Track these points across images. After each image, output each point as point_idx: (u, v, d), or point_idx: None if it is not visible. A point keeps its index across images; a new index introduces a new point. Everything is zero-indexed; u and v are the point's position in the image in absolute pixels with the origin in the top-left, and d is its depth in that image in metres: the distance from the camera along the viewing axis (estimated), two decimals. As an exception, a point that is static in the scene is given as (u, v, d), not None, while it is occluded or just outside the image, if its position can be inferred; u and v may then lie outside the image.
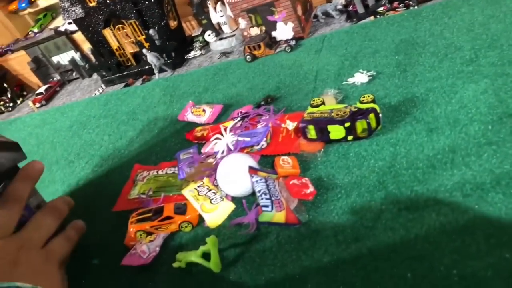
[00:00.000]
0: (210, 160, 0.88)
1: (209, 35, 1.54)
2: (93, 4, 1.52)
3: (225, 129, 0.92)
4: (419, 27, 1.03)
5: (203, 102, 1.16)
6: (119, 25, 1.55)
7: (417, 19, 1.07)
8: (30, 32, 2.33)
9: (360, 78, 0.94)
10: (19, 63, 2.15)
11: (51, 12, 2.35)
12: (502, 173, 0.59)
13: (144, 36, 1.54)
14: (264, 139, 0.85)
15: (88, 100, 1.62)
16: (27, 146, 1.42)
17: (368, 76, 0.93)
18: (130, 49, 1.64)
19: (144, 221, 0.78)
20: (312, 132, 0.79)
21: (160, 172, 0.94)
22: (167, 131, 1.12)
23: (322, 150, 0.79)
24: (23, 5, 2.26)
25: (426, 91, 0.81)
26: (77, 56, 1.92)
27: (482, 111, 0.71)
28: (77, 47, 1.99)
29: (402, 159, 0.69)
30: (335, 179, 0.72)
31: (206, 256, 0.67)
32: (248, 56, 1.27)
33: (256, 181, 0.73)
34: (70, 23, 1.96)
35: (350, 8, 1.30)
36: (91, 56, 1.75)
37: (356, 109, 0.77)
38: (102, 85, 1.73)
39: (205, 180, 0.82)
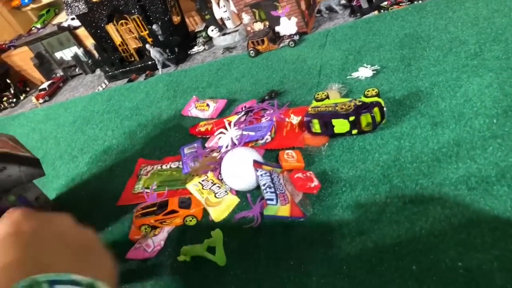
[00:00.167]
0: (215, 154, 0.88)
1: (212, 31, 1.54)
2: (96, -1, 1.52)
3: (229, 124, 0.92)
4: (424, 21, 1.03)
5: (207, 97, 1.16)
6: (122, 21, 1.55)
7: (422, 14, 1.06)
8: (33, 28, 2.33)
9: (364, 72, 0.94)
10: (22, 59, 2.15)
11: (54, 8, 2.35)
12: (507, 166, 0.59)
13: (147, 32, 1.53)
14: (269, 133, 0.85)
15: (91, 95, 1.63)
16: (30, 141, 1.43)
17: (373, 70, 0.93)
18: (133, 44, 1.64)
19: (149, 215, 0.78)
20: (316, 126, 0.79)
21: (164, 167, 0.94)
22: (171, 126, 1.12)
23: (327, 144, 0.79)
24: (26, 1, 2.26)
25: (431, 85, 0.81)
26: (80, 51, 1.92)
27: (487, 104, 0.71)
28: (80, 43, 1.99)
29: (406, 153, 0.69)
30: (340, 172, 0.72)
31: (211, 249, 0.68)
32: (251, 51, 1.27)
33: (261, 175, 0.73)
34: (73, 19, 1.96)
35: (354, 3, 1.30)
36: (94, 52, 1.74)
37: (360, 103, 0.77)
38: (105, 81, 1.73)
39: (210, 174, 0.82)
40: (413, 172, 0.65)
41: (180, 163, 0.92)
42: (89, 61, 1.83)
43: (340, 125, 0.76)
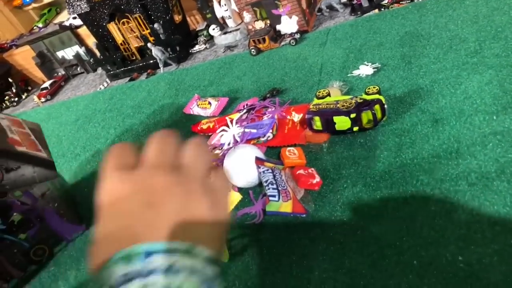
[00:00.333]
0: (217, 151, 0.88)
1: (213, 29, 1.54)
2: (98, -2, 1.53)
3: (231, 121, 0.93)
4: (424, 20, 1.03)
5: (209, 96, 1.17)
6: (124, 20, 1.56)
7: (422, 12, 1.07)
8: (34, 27, 2.34)
9: (365, 70, 0.94)
10: (24, 58, 2.16)
11: (55, 7, 2.36)
12: (507, 162, 0.60)
13: (149, 30, 1.54)
14: (270, 130, 0.86)
15: (93, 94, 1.63)
16: (33, 140, 1.43)
17: (373, 68, 0.94)
18: (134, 43, 1.64)
19: None
20: (318, 123, 0.80)
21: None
22: (173, 124, 1.13)
23: (328, 141, 0.80)
24: (28, 0, 2.27)
25: (431, 83, 0.82)
26: (81, 50, 1.93)
27: (486, 101, 0.71)
28: (81, 42, 2.00)
29: (407, 149, 0.70)
30: (341, 169, 0.73)
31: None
32: (253, 50, 1.27)
33: (263, 172, 0.74)
34: (75, 18, 1.97)
35: (355, 1, 1.30)
36: (96, 51, 1.75)
37: (361, 100, 0.77)
38: (107, 80, 1.73)
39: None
40: (413, 168, 0.66)
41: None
42: (91, 60, 1.84)
43: (342, 122, 0.77)
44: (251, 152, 0.77)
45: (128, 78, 1.64)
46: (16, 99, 2.09)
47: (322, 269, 0.58)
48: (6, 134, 0.79)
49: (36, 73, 2.17)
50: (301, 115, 0.88)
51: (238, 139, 0.88)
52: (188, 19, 1.75)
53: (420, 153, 0.68)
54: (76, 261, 0.83)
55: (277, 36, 1.30)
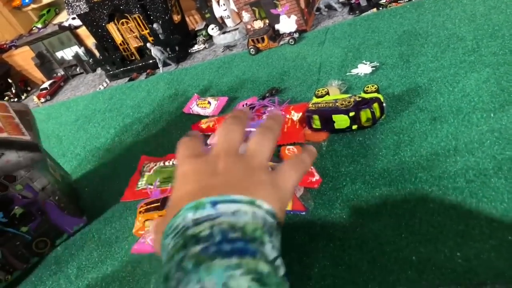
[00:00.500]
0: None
1: (212, 29, 1.55)
2: (97, -1, 1.53)
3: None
4: (422, 18, 1.04)
5: (208, 95, 1.17)
6: (123, 20, 1.56)
7: (420, 11, 1.08)
8: (34, 28, 2.34)
9: (364, 69, 0.95)
10: (23, 59, 2.17)
11: (54, 7, 2.36)
12: (504, 159, 0.60)
13: (148, 31, 1.55)
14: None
15: (93, 94, 1.64)
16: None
17: (372, 67, 0.94)
18: (134, 43, 1.65)
19: (153, 210, 0.79)
20: (317, 122, 0.80)
21: (166, 163, 0.95)
22: (173, 123, 1.13)
23: (327, 139, 0.80)
24: (27, 1, 2.28)
25: (429, 81, 0.83)
26: (81, 51, 1.93)
27: (484, 99, 0.72)
28: (81, 42, 2.00)
29: (406, 147, 0.70)
30: (340, 167, 0.73)
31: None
32: (252, 49, 1.28)
33: (263, 170, 0.74)
34: (74, 18, 1.98)
35: (353, 1, 1.31)
36: (95, 51, 1.76)
37: (360, 99, 0.78)
38: (106, 80, 1.74)
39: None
40: (412, 166, 0.67)
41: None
42: (90, 60, 1.85)
43: (340, 121, 0.77)
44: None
45: (127, 78, 1.65)
46: (16, 99, 2.09)
47: (322, 265, 0.59)
48: None
49: (36, 73, 2.18)
50: (300, 114, 0.88)
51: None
52: (187, 19, 1.75)
53: (419, 151, 0.69)
54: (77, 258, 0.83)
55: (276, 36, 1.30)
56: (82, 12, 1.57)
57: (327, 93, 0.85)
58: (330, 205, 0.67)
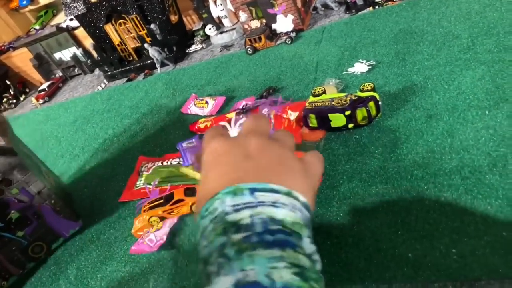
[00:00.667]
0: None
1: (209, 29, 1.55)
2: (94, 0, 1.53)
3: (229, 121, 0.94)
4: (417, 17, 1.05)
5: (206, 95, 1.18)
6: (121, 20, 1.56)
7: (415, 9, 1.08)
8: (31, 29, 2.34)
9: (360, 67, 0.95)
10: (21, 60, 2.17)
11: (52, 9, 2.36)
12: (498, 156, 0.61)
13: (145, 31, 1.55)
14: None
15: (91, 95, 1.64)
16: (31, 142, 1.44)
17: (368, 65, 0.95)
18: (131, 44, 1.65)
19: (157, 207, 0.80)
20: (313, 121, 0.81)
21: (164, 163, 0.95)
22: (171, 123, 1.14)
23: (324, 138, 0.81)
24: (24, 2, 2.27)
25: (425, 79, 0.83)
26: (79, 52, 1.93)
27: (479, 97, 0.73)
28: (78, 43, 2.00)
29: (402, 145, 0.71)
30: (337, 165, 0.74)
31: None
32: (249, 49, 1.28)
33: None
34: (71, 19, 1.98)
35: (349, 0, 1.31)
36: (93, 52, 1.76)
37: (356, 98, 0.78)
38: (105, 81, 1.74)
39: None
40: (408, 164, 0.67)
41: (181, 159, 0.93)
42: (88, 61, 1.85)
43: (337, 120, 0.78)
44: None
45: (125, 79, 1.65)
46: (14, 101, 2.10)
47: (319, 263, 0.59)
48: None
49: (34, 75, 2.18)
50: (297, 113, 0.89)
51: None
52: (184, 19, 1.76)
53: (415, 149, 0.69)
54: (76, 259, 0.84)
55: (273, 35, 1.31)
56: (79, 13, 1.57)
57: (324, 92, 0.86)
58: (327, 203, 0.68)
